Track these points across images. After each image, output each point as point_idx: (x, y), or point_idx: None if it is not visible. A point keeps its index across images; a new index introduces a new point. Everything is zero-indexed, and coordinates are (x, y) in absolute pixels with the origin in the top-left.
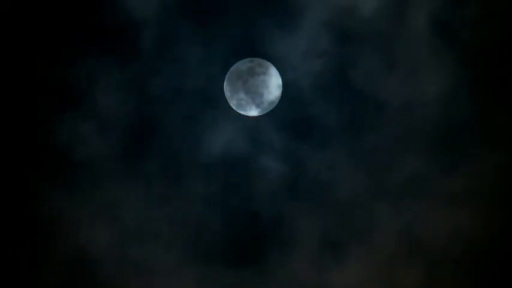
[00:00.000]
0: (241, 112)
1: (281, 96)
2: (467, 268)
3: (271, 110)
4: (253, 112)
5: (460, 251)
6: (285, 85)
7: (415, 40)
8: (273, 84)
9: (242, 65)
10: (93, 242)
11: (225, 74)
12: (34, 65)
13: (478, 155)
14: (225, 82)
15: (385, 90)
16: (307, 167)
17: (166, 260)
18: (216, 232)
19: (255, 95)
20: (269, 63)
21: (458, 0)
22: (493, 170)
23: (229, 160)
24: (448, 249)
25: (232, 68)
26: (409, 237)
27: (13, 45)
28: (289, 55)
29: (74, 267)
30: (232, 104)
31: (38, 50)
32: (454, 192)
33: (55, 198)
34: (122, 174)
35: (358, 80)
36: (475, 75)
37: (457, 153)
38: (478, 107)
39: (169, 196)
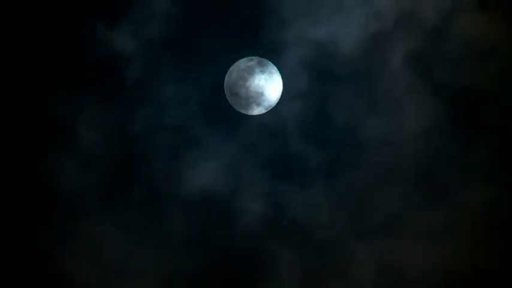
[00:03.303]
0: (243, 111)
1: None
2: None
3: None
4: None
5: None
6: (266, 124)
7: (395, 79)
8: (274, 83)
9: (242, 63)
10: (74, 277)
11: (206, 110)
12: (17, 101)
13: (457, 193)
14: (225, 81)
15: (365, 129)
16: (287, 205)
17: None
18: (196, 269)
19: (255, 94)
20: (269, 62)
21: (436, 39)
22: (472, 208)
23: (209, 198)
24: (427, 287)
25: (232, 67)
26: (388, 274)
27: None
28: (270, 94)
29: None
30: (233, 103)
31: (20, 86)
32: (433, 229)
33: (37, 233)
34: (103, 210)
35: (338, 119)
36: (455, 114)
37: (436, 191)
38: (457, 145)
39: (149, 233)
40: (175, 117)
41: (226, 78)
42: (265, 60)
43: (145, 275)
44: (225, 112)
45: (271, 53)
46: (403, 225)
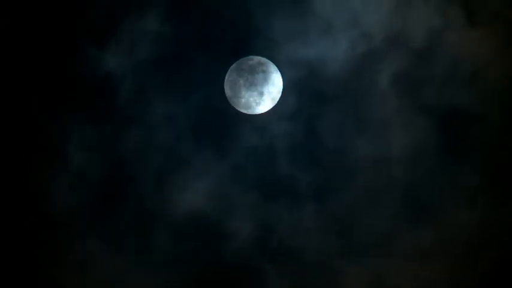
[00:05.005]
0: (244, 111)
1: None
2: None
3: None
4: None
5: None
6: (255, 146)
7: (383, 99)
8: (274, 81)
9: (243, 63)
10: None
11: (196, 131)
12: (7, 121)
13: (445, 213)
14: (225, 82)
15: (354, 150)
16: (276, 226)
17: None
18: None
19: (255, 93)
20: (269, 61)
21: (425, 59)
22: (460, 228)
23: (199, 219)
24: None
25: (233, 66)
26: None
27: None
28: (260, 115)
29: None
30: (234, 103)
31: (10, 106)
32: (422, 249)
33: (26, 252)
34: (92, 229)
35: (327, 140)
36: (443, 134)
37: (424, 211)
38: (446, 166)
39: (138, 252)
40: (165, 137)
41: (226, 75)
42: (263, 59)
43: None
44: (215, 132)
45: (262, 73)
46: (392, 246)
